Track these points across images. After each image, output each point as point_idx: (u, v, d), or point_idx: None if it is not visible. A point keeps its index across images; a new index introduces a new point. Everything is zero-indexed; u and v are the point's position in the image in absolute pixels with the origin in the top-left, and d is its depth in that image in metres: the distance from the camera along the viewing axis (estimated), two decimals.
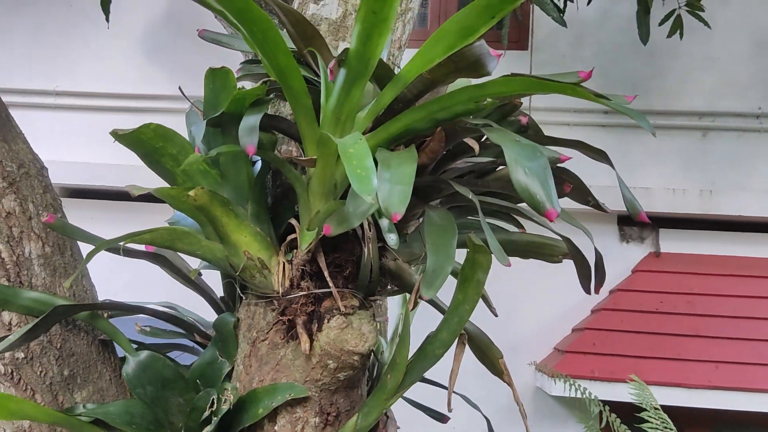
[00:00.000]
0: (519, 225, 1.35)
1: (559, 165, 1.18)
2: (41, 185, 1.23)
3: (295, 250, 1.03)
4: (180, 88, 0.99)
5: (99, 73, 4.15)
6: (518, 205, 1.18)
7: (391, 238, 0.92)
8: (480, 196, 1.17)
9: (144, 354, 1.07)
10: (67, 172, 3.80)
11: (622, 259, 3.97)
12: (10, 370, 1.14)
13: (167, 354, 1.29)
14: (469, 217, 1.30)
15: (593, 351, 3.43)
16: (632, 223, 4.12)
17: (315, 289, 1.04)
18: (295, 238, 1.03)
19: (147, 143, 0.94)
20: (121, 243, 0.95)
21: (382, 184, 0.81)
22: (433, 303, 1.21)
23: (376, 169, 0.84)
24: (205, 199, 0.91)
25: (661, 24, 3.24)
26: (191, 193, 0.88)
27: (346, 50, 0.88)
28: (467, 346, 1.14)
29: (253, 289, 1.07)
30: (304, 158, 0.92)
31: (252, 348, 1.08)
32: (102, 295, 1.45)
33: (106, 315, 1.29)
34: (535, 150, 0.84)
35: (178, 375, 1.09)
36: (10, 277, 1.15)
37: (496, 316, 1.37)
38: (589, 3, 3.29)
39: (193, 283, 1.22)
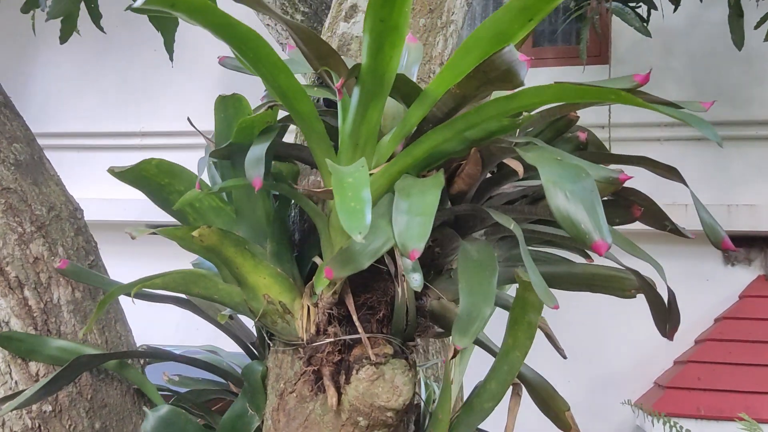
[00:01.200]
0: (587, 255, 1.19)
1: (625, 186, 1.03)
2: (73, 228, 1.18)
3: (320, 292, 0.92)
4: (189, 119, 0.92)
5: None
6: None
7: (415, 279, 0.80)
8: (534, 224, 1.04)
9: (164, 409, 0.99)
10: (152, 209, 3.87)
11: (727, 283, 3.65)
12: (37, 425, 1.09)
13: (207, 403, 1.21)
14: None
15: (698, 386, 3.13)
16: (738, 243, 3.79)
17: (344, 335, 0.93)
18: None
19: (151, 180, 0.86)
20: (133, 290, 0.88)
21: (399, 217, 0.70)
22: (484, 346, 1.07)
23: (395, 199, 0.73)
24: (213, 239, 0.82)
25: (756, 27, 2.97)
26: (195, 233, 0.79)
27: (357, 66, 0.77)
28: (525, 396, 1.00)
29: (277, 335, 0.97)
30: (320, 189, 0.82)
31: (280, 401, 0.98)
32: (152, 338, 1.39)
33: (142, 362, 1.22)
34: (580, 171, 0.70)
35: (201, 431, 1.00)
36: (37, 326, 1.10)
37: (564, 357, 1.21)
38: (675, 10, 3.07)
39: (224, 327, 1.13)
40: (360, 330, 0.91)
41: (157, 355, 1.19)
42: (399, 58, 0.76)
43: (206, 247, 0.84)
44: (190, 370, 1.22)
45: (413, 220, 0.70)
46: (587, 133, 1.08)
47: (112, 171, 0.83)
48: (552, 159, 0.72)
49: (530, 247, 1.16)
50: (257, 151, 0.78)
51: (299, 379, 0.96)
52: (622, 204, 1.06)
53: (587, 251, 1.19)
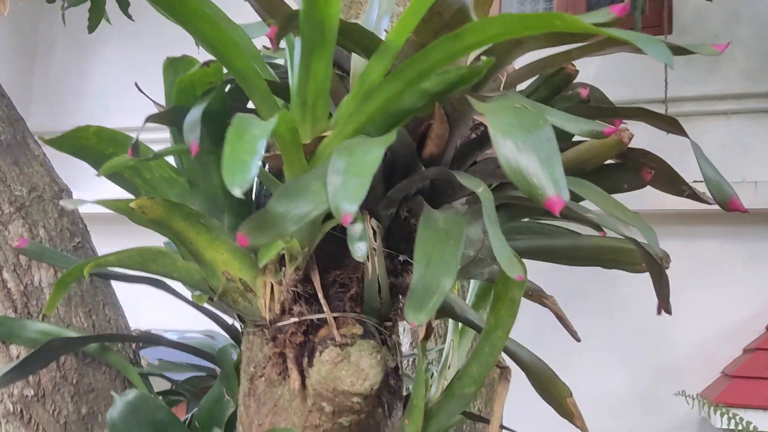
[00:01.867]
0: (599, 228, 1.08)
1: (634, 147, 0.91)
2: (56, 209, 1.15)
3: (283, 269, 0.85)
4: (136, 84, 0.86)
5: None
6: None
7: (359, 248, 0.72)
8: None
9: (132, 394, 0.94)
10: None
11: None
12: (19, 409, 1.06)
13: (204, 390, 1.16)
14: (528, 219, 1.05)
15: (767, 375, 2.92)
16: None
17: (311, 314, 0.85)
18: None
19: (92, 150, 0.81)
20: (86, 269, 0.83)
21: (334, 177, 0.62)
22: (473, 325, 0.98)
23: (332, 158, 0.65)
24: (158, 211, 0.76)
25: None
26: (133, 204, 0.73)
27: (295, 13, 0.69)
28: (510, 381, 0.90)
29: (242, 315, 0.90)
30: (267, 155, 0.75)
31: (251, 385, 0.92)
32: (159, 323, 1.36)
33: (134, 347, 1.19)
34: (536, 118, 0.60)
35: (172, 419, 0.94)
36: (17, 308, 1.07)
37: (578, 340, 1.10)
38: None
39: (200, 307, 1.08)
40: (325, 309, 0.84)
41: (146, 339, 1.15)
42: (339, 2, 0.67)
43: (153, 220, 0.78)
44: (184, 356, 1.18)
45: (349, 180, 0.62)
46: (590, 88, 0.97)
47: (42, 138, 0.78)
48: (508, 107, 0.63)
49: (531, 220, 1.06)
50: (195, 113, 0.71)
51: (268, 363, 0.89)
52: (630, 167, 0.95)
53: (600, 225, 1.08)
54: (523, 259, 1.17)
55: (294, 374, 0.84)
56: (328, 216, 0.84)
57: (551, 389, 0.95)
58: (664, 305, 0.81)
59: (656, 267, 0.81)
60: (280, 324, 0.85)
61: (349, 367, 0.81)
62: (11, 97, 1.22)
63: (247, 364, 0.93)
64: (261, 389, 0.91)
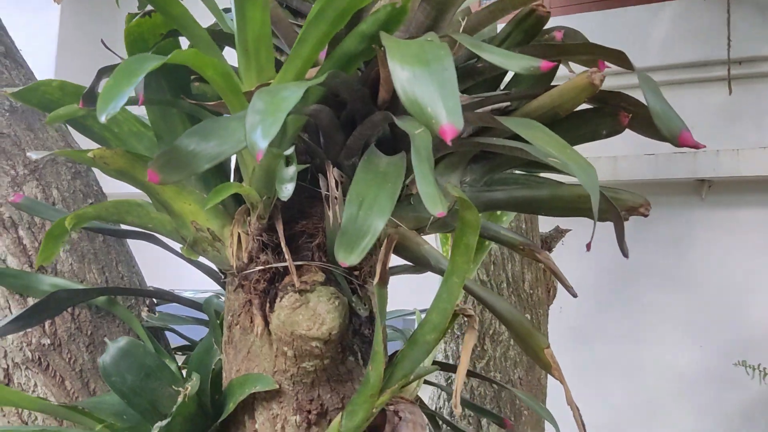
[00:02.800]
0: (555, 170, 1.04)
1: (608, 89, 0.88)
2: (70, 171, 1.22)
3: (248, 218, 0.88)
4: (102, 41, 0.90)
5: None
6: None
7: (285, 189, 0.73)
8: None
9: (124, 340, 0.99)
10: None
11: None
12: (37, 356, 1.14)
13: None
14: (516, 171, 1.03)
15: None
16: None
17: (276, 262, 0.87)
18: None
19: (56, 103, 0.85)
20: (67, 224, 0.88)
21: (252, 116, 0.63)
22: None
23: (252, 99, 0.66)
24: (120, 162, 0.80)
25: None
26: (91, 154, 0.77)
27: None
28: (477, 330, 0.89)
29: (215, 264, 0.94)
30: (212, 102, 0.77)
31: (229, 333, 0.95)
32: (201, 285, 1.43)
33: (147, 303, 1.25)
34: (437, 50, 0.59)
35: (161, 364, 0.99)
36: (32, 263, 1.15)
37: (574, 296, 1.08)
38: None
39: (192, 260, 1.12)
40: (287, 256, 0.85)
41: (149, 294, 1.20)
42: None
43: (117, 171, 0.82)
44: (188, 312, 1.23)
45: (266, 120, 0.63)
46: (565, 31, 0.93)
47: (5, 92, 0.83)
48: (415, 42, 0.62)
49: (519, 171, 1.04)
50: (137, 64, 0.74)
51: (241, 311, 0.92)
52: (608, 112, 0.91)
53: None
54: (510, 212, 1.15)
55: (258, 320, 0.86)
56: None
57: (529, 340, 0.94)
58: (622, 248, 0.78)
59: (614, 211, 0.78)
60: (246, 272, 0.88)
61: (306, 312, 0.83)
62: None
63: (226, 313, 0.96)
64: (237, 336, 0.94)
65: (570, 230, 2.35)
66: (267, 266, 0.87)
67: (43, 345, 1.14)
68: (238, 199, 0.90)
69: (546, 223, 2.26)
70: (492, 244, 1.12)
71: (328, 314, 0.83)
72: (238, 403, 0.93)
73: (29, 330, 1.14)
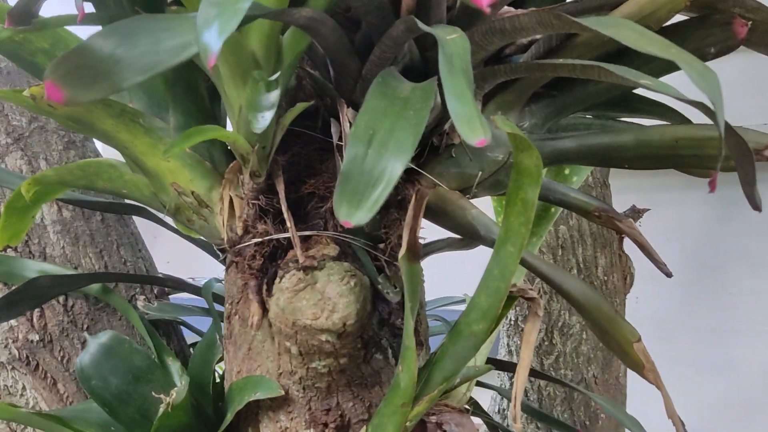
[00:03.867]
0: (684, 119, 0.81)
1: None
2: (62, 141, 1.06)
3: (241, 177, 0.69)
4: None
5: None
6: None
7: (260, 120, 0.53)
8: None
9: (106, 335, 0.82)
10: None
11: None
12: (25, 355, 0.98)
13: None
14: (585, 116, 0.81)
15: None
16: None
17: (278, 233, 0.68)
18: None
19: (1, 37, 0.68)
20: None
21: (207, 9, 0.43)
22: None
23: None
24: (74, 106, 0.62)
25: None
26: (27, 93, 0.60)
27: None
28: (541, 317, 0.67)
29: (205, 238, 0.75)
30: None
31: (228, 325, 0.76)
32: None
33: (156, 292, 1.08)
34: None
35: (152, 364, 0.82)
36: (16, 247, 0.99)
37: (669, 275, 0.85)
38: None
39: (187, 236, 0.94)
40: (288, 223, 0.66)
41: (158, 282, 1.03)
42: None
43: (68, 117, 0.64)
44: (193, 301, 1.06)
45: (226, 10, 0.43)
46: None
47: None
48: None
49: (587, 115, 0.82)
50: None
51: (240, 297, 0.73)
52: (717, 21, 0.68)
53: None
54: (581, 165, 0.92)
55: (254, 307, 0.67)
56: (289, 105, 0.66)
57: (612, 331, 0.71)
58: (752, 198, 0.55)
59: (741, 147, 0.55)
60: (239, 246, 0.69)
61: (312, 296, 0.63)
62: None
63: (226, 301, 0.78)
64: (236, 329, 0.75)
65: (649, 209, 2.08)
66: (265, 238, 0.68)
67: (32, 342, 0.98)
68: (231, 154, 0.71)
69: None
70: (558, 213, 0.90)
71: (341, 298, 0.63)
72: (240, 413, 0.74)
73: (14, 324, 0.98)
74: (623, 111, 0.78)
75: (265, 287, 0.66)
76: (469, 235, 0.75)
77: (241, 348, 0.74)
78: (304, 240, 0.68)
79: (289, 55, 0.63)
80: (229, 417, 0.72)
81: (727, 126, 0.55)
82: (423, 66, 0.67)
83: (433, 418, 0.75)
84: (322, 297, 0.62)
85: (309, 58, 0.70)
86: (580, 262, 1.92)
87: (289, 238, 0.67)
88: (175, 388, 0.71)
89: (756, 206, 0.54)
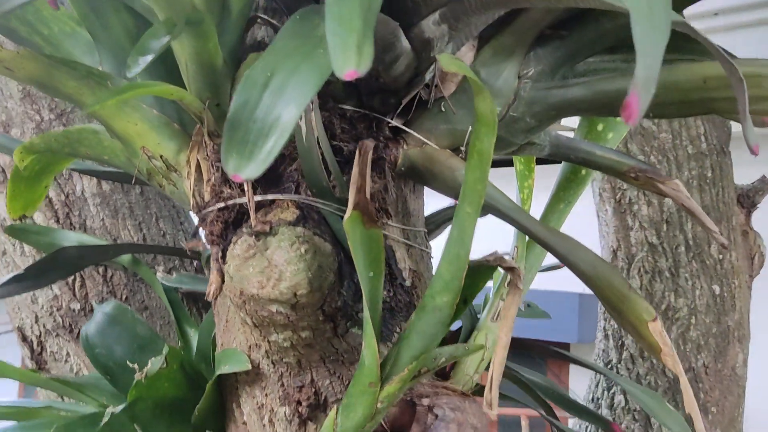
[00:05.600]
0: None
1: None
2: None
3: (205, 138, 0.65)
4: None
5: None
6: None
7: (138, 63, 0.47)
8: None
9: (111, 304, 0.81)
10: None
11: None
12: (68, 323, 1.02)
13: None
14: (611, 59, 0.69)
15: None
16: None
17: (242, 197, 0.63)
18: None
19: None
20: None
21: None
22: (519, 226, 0.66)
23: None
24: (28, 67, 0.61)
25: None
26: None
27: None
28: (522, 289, 0.58)
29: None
30: None
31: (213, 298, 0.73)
32: None
33: (196, 264, 1.08)
34: None
35: (154, 335, 0.80)
36: (59, 219, 1.02)
37: (724, 245, 0.74)
38: None
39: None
40: (246, 185, 0.61)
41: (173, 252, 1.03)
42: None
43: (30, 79, 0.63)
44: None
45: None
46: None
47: None
48: None
49: (613, 58, 0.71)
50: None
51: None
52: None
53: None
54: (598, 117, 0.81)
55: (213, 276, 0.63)
56: (234, 61, 0.62)
57: (624, 310, 0.61)
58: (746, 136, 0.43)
59: (736, 75, 0.44)
60: (205, 211, 0.65)
61: (258, 263, 0.58)
62: None
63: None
64: (219, 301, 0.72)
65: None
66: (228, 202, 0.63)
67: (73, 310, 1.01)
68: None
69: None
70: (591, 175, 0.79)
71: (289, 265, 0.57)
72: (225, 388, 0.71)
73: (58, 293, 1.02)
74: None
75: (220, 254, 0.62)
76: (486, 209, 0.66)
77: (222, 319, 0.71)
78: (268, 204, 0.63)
79: (237, 3, 0.58)
80: (208, 389, 0.69)
81: (720, 53, 0.44)
82: (386, 6, 0.59)
83: (426, 401, 0.68)
84: (269, 264, 0.57)
85: (269, 8, 0.65)
86: (689, 238, 1.73)
87: (262, 201, 0.63)
88: (152, 358, 0.69)
89: (749, 144, 0.43)
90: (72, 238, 1.01)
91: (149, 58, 0.46)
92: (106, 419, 0.67)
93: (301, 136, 0.59)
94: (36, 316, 1.02)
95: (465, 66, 0.51)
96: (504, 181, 0.91)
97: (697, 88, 0.59)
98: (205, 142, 0.64)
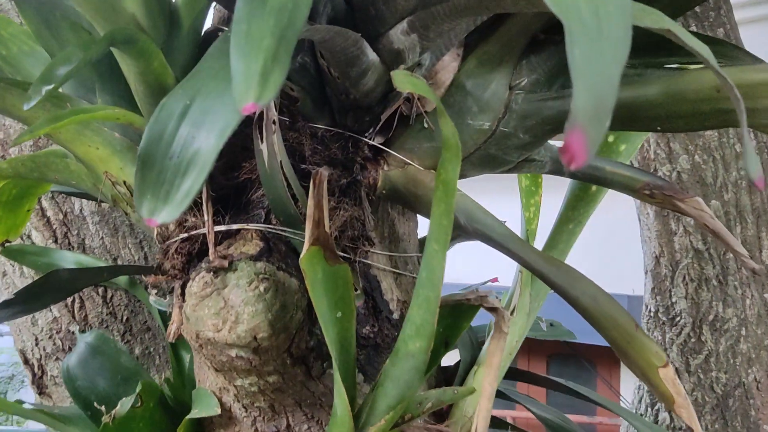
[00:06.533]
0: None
1: None
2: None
3: None
4: None
5: None
6: None
7: (31, 96, 0.42)
8: None
9: (92, 334, 0.78)
10: None
11: None
12: (68, 346, 0.99)
13: None
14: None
15: None
16: None
17: (205, 227, 0.58)
18: None
19: None
20: None
21: None
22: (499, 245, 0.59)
23: None
24: None
25: None
26: None
27: None
28: (507, 332, 0.51)
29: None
30: None
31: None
32: None
33: None
34: None
35: (137, 366, 0.76)
36: (57, 239, 0.99)
37: (755, 272, 0.65)
38: None
39: None
40: (206, 216, 0.56)
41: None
42: None
43: None
44: None
45: None
46: None
47: None
48: None
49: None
50: None
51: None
52: None
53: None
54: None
55: (175, 313, 0.58)
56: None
57: (631, 352, 0.53)
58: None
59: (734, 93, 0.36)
60: (168, 242, 0.60)
61: (215, 304, 0.53)
62: None
63: None
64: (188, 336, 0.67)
65: None
66: (191, 233, 0.58)
67: (72, 333, 0.98)
68: None
69: None
70: (603, 193, 0.70)
71: (246, 306, 0.52)
72: (202, 428, 0.66)
73: (57, 315, 0.99)
74: (661, 54, 0.58)
75: (179, 291, 0.57)
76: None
77: (196, 357, 0.66)
78: (233, 235, 0.57)
79: (187, 16, 0.53)
80: None
81: (710, 62, 0.36)
82: (350, 17, 0.53)
83: None
84: (225, 305, 0.52)
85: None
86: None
87: (227, 231, 0.58)
88: (123, 399, 0.64)
89: (750, 176, 0.35)
90: (69, 259, 0.97)
91: (51, 87, 0.41)
92: None
93: (263, 161, 0.53)
94: (36, 339, 0.99)
95: (421, 84, 0.44)
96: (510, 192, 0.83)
97: (709, 99, 0.51)
98: None
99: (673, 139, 1.62)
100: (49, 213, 0.99)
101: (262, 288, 0.52)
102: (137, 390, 0.66)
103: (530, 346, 4.18)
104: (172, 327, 0.58)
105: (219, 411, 0.60)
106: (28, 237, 0.99)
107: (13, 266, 1.00)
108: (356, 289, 0.59)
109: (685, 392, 0.51)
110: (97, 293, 0.98)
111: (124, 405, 0.64)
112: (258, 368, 0.54)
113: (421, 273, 0.47)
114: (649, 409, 1.70)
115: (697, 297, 1.59)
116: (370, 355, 0.62)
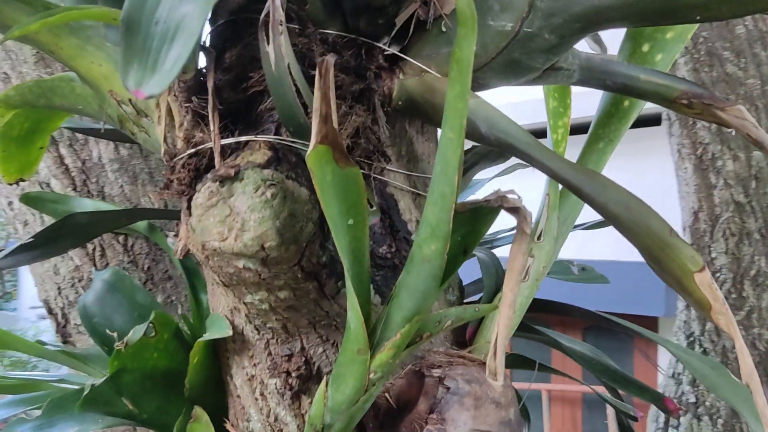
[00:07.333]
0: None
1: None
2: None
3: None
4: None
5: None
6: None
7: None
8: None
9: (108, 271, 0.76)
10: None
11: None
12: None
13: None
14: None
15: None
16: None
17: (216, 136, 0.56)
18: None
19: None
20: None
21: None
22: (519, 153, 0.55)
23: None
24: None
25: None
26: None
27: None
28: (529, 234, 0.47)
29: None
30: None
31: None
32: None
33: None
34: None
35: (153, 302, 0.75)
36: (76, 186, 0.98)
37: None
38: None
39: None
40: (212, 126, 0.53)
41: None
42: None
43: None
44: None
45: None
46: None
47: None
48: None
49: None
50: None
51: None
52: None
53: None
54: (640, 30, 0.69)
55: (182, 230, 0.56)
56: None
57: (665, 259, 0.49)
58: None
59: None
60: (176, 159, 0.58)
61: (220, 212, 0.50)
62: None
63: None
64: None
65: None
66: (198, 148, 0.56)
67: None
68: None
69: None
70: (637, 107, 0.66)
71: (252, 213, 0.49)
72: (218, 360, 0.64)
73: (79, 263, 0.98)
74: None
75: (186, 205, 0.54)
76: (467, 135, 0.56)
77: (209, 282, 0.64)
78: (242, 148, 0.55)
79: None
80: (193, 363, 0.62)
81: None
82: None
83: (437, 372, 0.58)
84: (230, 212, 0.49)
85: None
86: None
87: (235, 144, 0.55)
88: (135, 327, 0.62)
89: None
90: (89, 206, 0.96)
91: None
92: (86, 392, 0.61)
93: (270, 65, 0.50)
94: (59, 288, 0.99)
95: None
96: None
97: None
98: (173, 82, 0.57)
99: (713, 88, 1.55)
100: (68, 161, 0.98)
101: (269, 194, 0.49)
102: (150, 319, 0.64)
103: (565, 320, 4.12)
104: (179, 244, 0.55)
105: (230, 332, 0.58)
106: (47, 185, 0.98)
107: (34, 216, 1.00)
108: (371, 205, 0.57)
109: (723, 297, 0.47)
110: (118, 241, 0.97)
111: (136, 332, 0.62)
112: (268, 282, 0.52)
113: (436, 167, 0.44)
114: (683, 376, 1.64)
115: (738, 251, 1.53)
116: (388, 276, 0.60)
